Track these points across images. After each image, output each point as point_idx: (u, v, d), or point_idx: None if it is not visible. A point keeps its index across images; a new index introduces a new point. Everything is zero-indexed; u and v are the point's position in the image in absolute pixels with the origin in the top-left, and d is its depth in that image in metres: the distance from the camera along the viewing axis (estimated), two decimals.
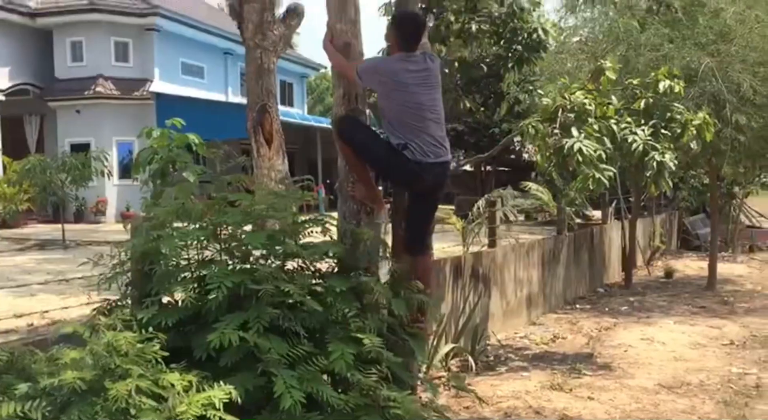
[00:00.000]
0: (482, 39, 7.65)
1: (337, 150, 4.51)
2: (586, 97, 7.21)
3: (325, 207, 17.49)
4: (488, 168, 26.80)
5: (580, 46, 12.55)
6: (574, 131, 6.88)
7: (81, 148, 18.02)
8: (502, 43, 7.94)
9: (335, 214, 4.50)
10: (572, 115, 7.28)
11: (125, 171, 19.81)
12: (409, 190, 4.43)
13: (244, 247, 3.76)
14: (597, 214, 14.69)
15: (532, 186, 10.10)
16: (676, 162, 7.20)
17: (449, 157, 4.32)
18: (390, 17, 4.35)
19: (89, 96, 20.52)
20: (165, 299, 3.59)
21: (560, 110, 7.33)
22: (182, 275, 3.62)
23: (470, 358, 6.82)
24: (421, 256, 4.42)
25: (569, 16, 14.26)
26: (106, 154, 14.70)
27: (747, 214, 20.56)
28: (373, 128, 4.58)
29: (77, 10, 20.64)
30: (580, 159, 6.68)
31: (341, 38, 4.46)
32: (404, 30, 4.22)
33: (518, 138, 14.31)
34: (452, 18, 7.52)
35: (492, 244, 8.80)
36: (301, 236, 4.03)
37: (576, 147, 6.64)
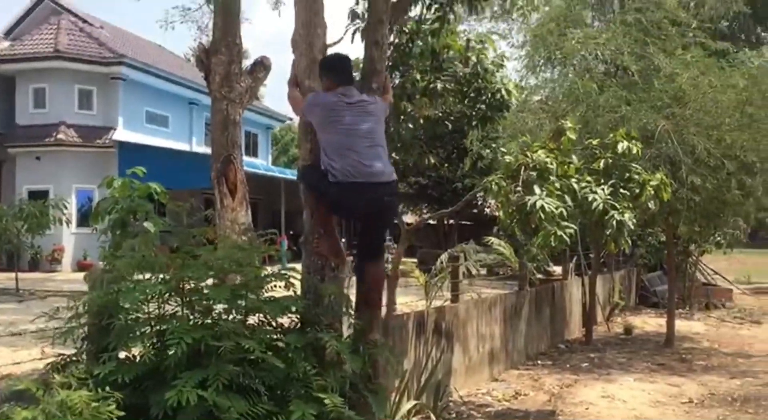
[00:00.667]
0: (447, 97, 7.82)
1: (301, 201, 4.55)
2: (547, 156, 7.36)
3: (288, 259, 17.36)
4: (451, 222, 27.01)
5: (541, 106, 12.88)
6: (537, 189, 7.00)
7: (39, 196, 17.74)
8: (466, 101, 8.12)
9: (299, 266, 4.48)
10: (534, 173, 7.42)
11: (84, 219, 19.54)
12: (347, 215, 4.49)
13: (205, 302, 3.71)
14: (558, 269, 14.83)
15: (494, 241, 10.20)
16: (634, 221, 7.35)
17: (389, 179, 4.27)
18: (319, 64, 4.54)
19: (50, 143, 20.32)
20: (122, 354, 3.51)
21: (523, 168, 7.46)
22: (142, 330, 3.55)
23: (432, 415, 6.73)
24: (372, 263, 4.45)
25: (530, 76, 14.72)
26: (65, 202, 14.46)
27: (702, 272, 20.96)
28: None
29: (42, 57, 20.61)
30: (542, 216, 6.78)
31: (309, 94, 4.56)
32: (335, 69, 4.46)
33: (481, 193, 14.43)
34: (418, 76, 7.69)
35: (455, 298, 8.80)
36: (264, 290, 4.01)
37: (538, 204, 6.74)
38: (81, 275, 4.29)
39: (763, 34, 19.29)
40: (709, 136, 9.78)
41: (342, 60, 4.61)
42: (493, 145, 15.03)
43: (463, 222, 27.94)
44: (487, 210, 25.17)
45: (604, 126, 10.05)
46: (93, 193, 20.15)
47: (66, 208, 14.53)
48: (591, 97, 10.59)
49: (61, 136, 20.38)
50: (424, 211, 25.25)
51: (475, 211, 26.22)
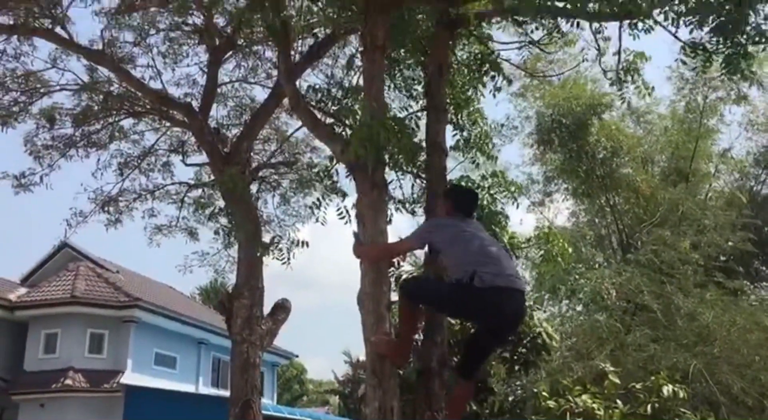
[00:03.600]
0: None
1: None
2: (593, 401, 7.28)
3: None
4: None
5: (562, 343, 12.90)
6: None
7: None
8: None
9: None
10: (580, 419, 7.29)
11: None
12: (485, 322, 4.45)
13: None
14: None
15: None
16: None
17: (524, 287, 4.36)
18: (446, 191, 5.01)
19: (57, 389, 19.77)
20: None
21: (567, 413, 7.34)
22: None
23: None
24: (465, 381, 4.52)
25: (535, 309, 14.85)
26: None
27: None
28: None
29: (59, 303, 20.77)
30: None
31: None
32: (462, 199, 4.80)
33: None
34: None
35: None
36: None
37: None
38: None
39: (761, 267, 19.94)
40: (743, 375, 9.72)
41: (471, 195, 5.10)
42: (516, 384, 14.74)
43: None
44: None
45: (634, 365, 10.03)
46: None
47: None
48: (617, 336, 10.69)
49: (68, 381, 19.89)
50: None
51: None
